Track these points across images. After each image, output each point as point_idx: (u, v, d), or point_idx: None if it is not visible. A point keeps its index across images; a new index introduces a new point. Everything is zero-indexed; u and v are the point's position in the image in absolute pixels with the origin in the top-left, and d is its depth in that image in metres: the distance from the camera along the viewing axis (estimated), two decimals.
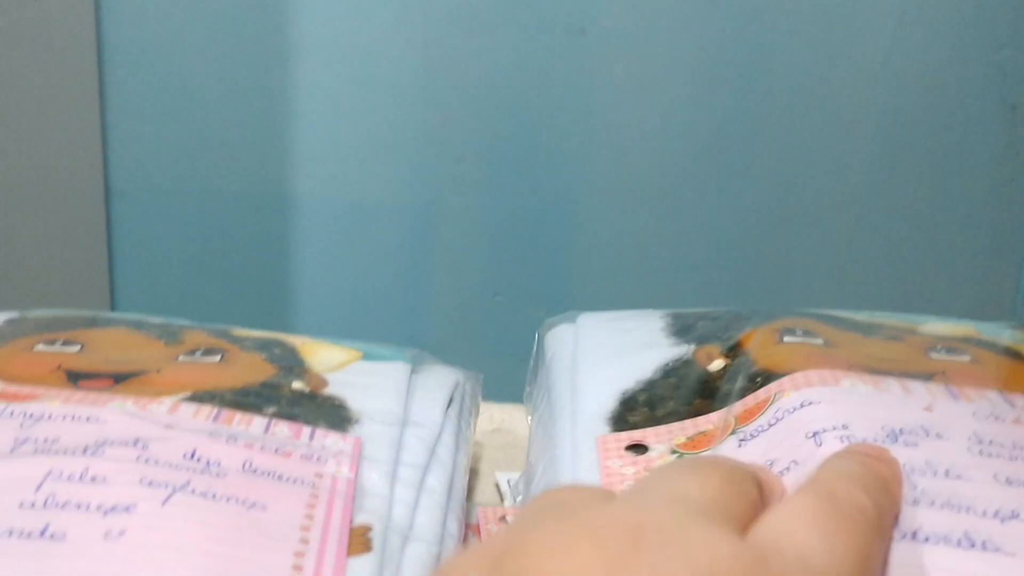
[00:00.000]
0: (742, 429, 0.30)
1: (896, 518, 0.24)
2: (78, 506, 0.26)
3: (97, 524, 0.25)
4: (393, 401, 0.36)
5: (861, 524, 0.21)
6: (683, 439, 0.31)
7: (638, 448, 0.31)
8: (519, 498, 0.40)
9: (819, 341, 0.37)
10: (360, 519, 0.28)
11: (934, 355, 0.37)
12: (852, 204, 1.11)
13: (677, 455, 0.30)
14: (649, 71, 1.06)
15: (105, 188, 1.09)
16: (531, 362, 0.44)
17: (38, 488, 0.26)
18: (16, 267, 1.02)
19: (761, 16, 1.04)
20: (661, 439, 0.31)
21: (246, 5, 1.04)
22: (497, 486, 0.44)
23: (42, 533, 0.25)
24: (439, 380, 0.40)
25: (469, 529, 0.39)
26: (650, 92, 1.07)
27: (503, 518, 0.40)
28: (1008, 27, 1.05)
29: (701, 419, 0.32)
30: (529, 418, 0.42)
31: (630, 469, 0.30)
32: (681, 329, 0.39)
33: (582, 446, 0.32)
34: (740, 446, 0.29)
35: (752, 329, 0.38)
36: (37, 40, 0.95)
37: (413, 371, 0.39)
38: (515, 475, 0.43)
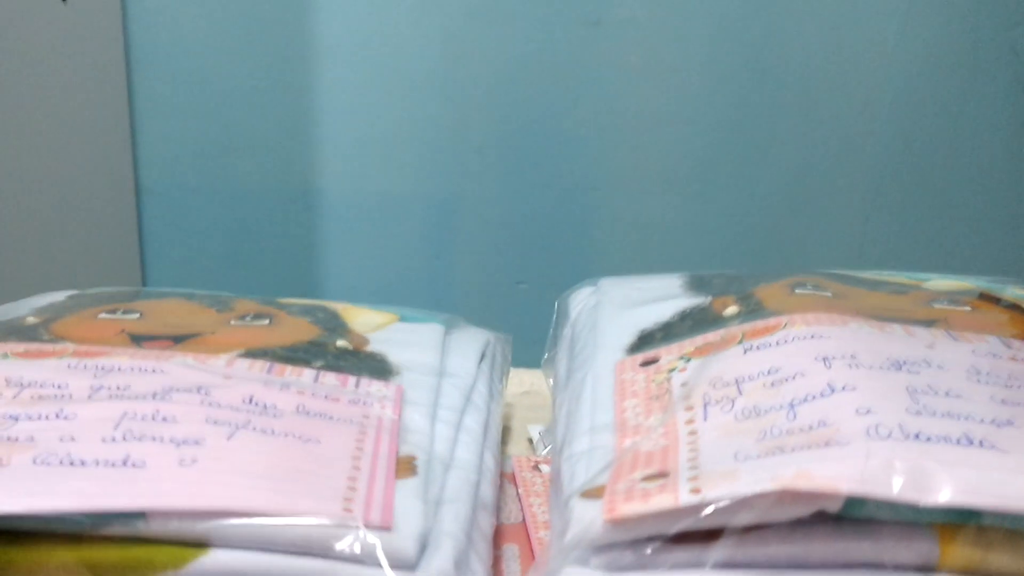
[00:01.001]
0: (749, 341, 0.32)
1: None
2: (153, 439, 0.28)
3: (172, 454, 0.28)
4: (430, 355, 0.39)
5: None
6: (691, 348, 0.33)
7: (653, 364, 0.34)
8: (548, 448, 0.43)
9: (828, 294, 0.39)
10: (405, 450, 0.31)
11: (936, 305, 0.39)
12: (867, 187, 1.12)
13: (685, 360, 0.33)
14: (664, 60, 1.08)
15: (136, 186, 1.12)
16: (551, 330, 0.47)
17: (116, 426, 0.29)
18: (51, 265, 1.05)
19: (773, 0, 1.06)
20: (672, 352, 0.34)
21: (269, 5, 1.07)
22: (530, 440, 0.46)
23: (124, 462, 0.27)
24: (471, 338, 0.43)
25: (504, 477, 0.42)
26: (665, 80, 1.09)
27: (536, 466, 0.43)
28: (1021, 5, 1.06)
29: (710, 334, 0.34)
30: (550, 381, 0.45)
31: (640, 376, 0.33)
32: (698, 285, 0.42)
33: (602, 371, 0.34)
34: (745, 353, 0.31)
35: (765, 284, 0.40)
36: (66, 44, 0.98)
37: (447, 332, 0.42)
38: (544, 427, 0.46)
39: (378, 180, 1.13)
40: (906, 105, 1.09)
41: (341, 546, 0.25)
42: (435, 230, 1.14)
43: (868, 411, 0.27)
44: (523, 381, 0.55)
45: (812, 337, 0.32)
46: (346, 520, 0.26)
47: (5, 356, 0.35)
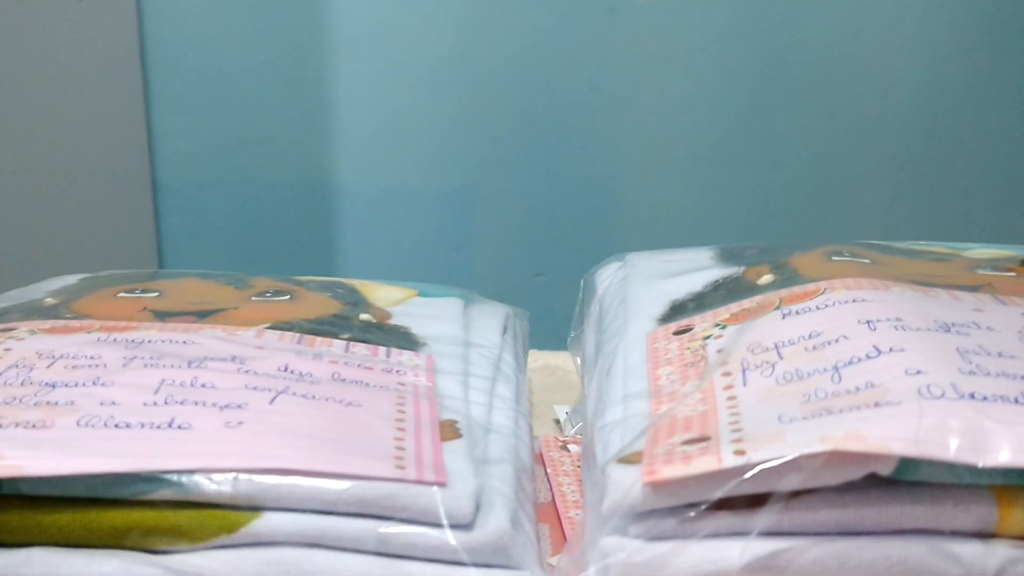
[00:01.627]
0: (787, 306, 0.31)
1: None
2: (195, 404, 0.28)
3: (216, 417, 0.27)
4: (454, 328, 0.38)
5: None
6: (727, 315, 0.32)
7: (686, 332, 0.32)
8: (579, 425, 0.42)
9: (866, 261, 0.38)
10: (444, 415, 0.30)
11: (979, 271, 0.38)
12: (890, 172, 1.11)
13: (720, 327, 0.31)
14: (681, 46, 1.07)
15: (152, 183, 1.12)
16: (577, 307, 0.46)
17: (156, 391, 0.28)
18: (69, 263, 1.04)
19: None
20: (706, 320, 0.33)
21: (282, 1, 1.07)
22: (556, 420, 0.45)
23: (170, 424, 0.27)
24: (491, 311, 0.42)
25: (533, 457, 0.41)
26: (683, 67, 1.07)
27: (564, 445, 0.42)
28: None
29: (745, 301, 0.33)
30: (577, 360, 0.43)
31: (674, 344, 0.31)
32: (729, 256, 0.40)
33: (633, 341, 0.33)
34: (783, 319, 0.30)
35: (800, 253, 0.39)
36: (82, 42, 0.98)
37: (465, 306, 0.41)
38: (571, 407, 0.44)
39: (394, 173, 1.12)
40: (928, 88, 1.08)
41: (398, 504, 0.25)
42: (452, 223, 1.14)
43: (918, 372, 0.26)
44: (548, 364, 0.54)
45: (854, 301, 0.31)
46: (401, 479, 0.25)
47: (33, 332, 0.34)
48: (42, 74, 0.93)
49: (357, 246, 1.15)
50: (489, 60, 1.07)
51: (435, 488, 0.25)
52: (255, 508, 0.25)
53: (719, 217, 1.12)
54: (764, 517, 0.23)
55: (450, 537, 0.25)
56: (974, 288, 0.35)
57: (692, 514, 0.23)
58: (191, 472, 0.25)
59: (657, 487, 0.24)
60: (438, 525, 0.25)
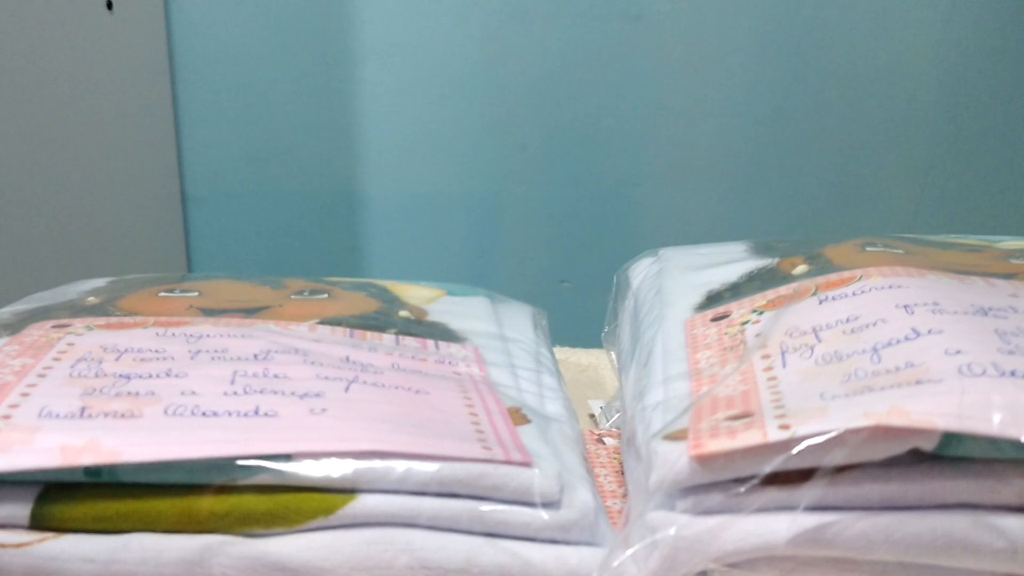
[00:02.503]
0: (824, 293, 0.31)
1: None
2: (274, 393, 0.28)
3: (299, 404, 0.27)
4: (488, 324, 0.39)
5: None
6: (763, 302, 0.33)
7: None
8: (613, 418, 0.42)
9: (900, 251, 0.38)
10: (507, 404, 0.31)
11: (1013, 260, 0.38)
12: (917, 174, 1.10)
13: (757, 313, 0.32)
14: (706, 52, 1.07)
15: (181, 194, 1.13)
16: (610, 304, 0.46)
17: (232, 382, 0.29)
18: (99, 273, 1.06)
19: None
20: (743, 307, 0.33)
21: (309, 12, 1.08)
22: (591, 415, 0.46)
23: (256, 412, 0.27)
24: (518, 309, 0.43)
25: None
26: (708, 73, 1.08)
27: (599, 439, 0.42)
28: None
29: (781, 288, 0.33)
30: (611, 354, 0.44)
31: (712, 330, 0.32)
32: (763, 249, 0.41)
33: (671, 329, 0.33)
34: (820, 304, 0.31)
35: (834, 244, 0.39)
36: (112, 54, 1.00)
37: (492, 304, 0.42)
38: (605, 402, 0.45)
39: (420, 181, 1.13)
40: (955, 90, 1.07)
41: (488, 484, 0.25)
42: (478, 230, 1.14)
43: (958, 351, 0.26)
44: (580, 362, 0.54)
45: (890, 287, 0.31)
46: (490, 459, 0.25)
47: (89, 328, 0.34)
48: (72, 85, 0.94)
49: (383, 254, 1.16)
50: (514, 68, 1.08)
51: (524, 469, 0.26)
52: (350, 491, 0.25)
53: (745, 222, 1.12)
54: (810, 491, 0.24)
55: (544, 514, 0.25)
56: (1008, 276, 0.35)
57: (742, 489, 0.24)
58: (288, 457, 0.25)
59: (703, 461, 0.24)
60: (529, 504, 0.25)
